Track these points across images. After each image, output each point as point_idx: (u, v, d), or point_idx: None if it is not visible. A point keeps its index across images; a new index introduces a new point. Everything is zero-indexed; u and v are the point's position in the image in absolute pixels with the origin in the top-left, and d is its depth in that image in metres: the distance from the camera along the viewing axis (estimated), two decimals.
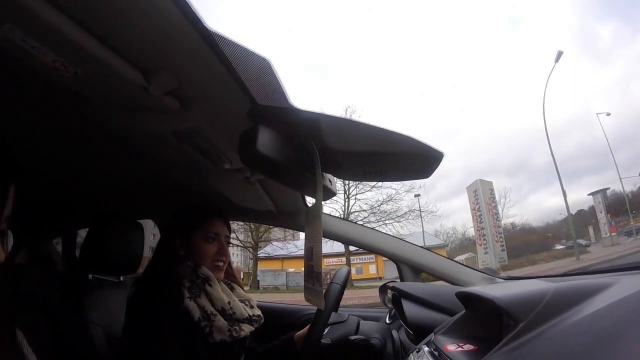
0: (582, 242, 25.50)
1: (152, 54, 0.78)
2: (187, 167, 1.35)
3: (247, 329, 1.35)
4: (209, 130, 1.07)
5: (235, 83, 0.83)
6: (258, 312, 1.42)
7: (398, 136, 0.87)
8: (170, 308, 1.23)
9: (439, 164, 0.95)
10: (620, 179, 24.88)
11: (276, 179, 1.15)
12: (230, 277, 1.48)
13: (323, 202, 1.00)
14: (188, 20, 0.66)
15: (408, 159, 0.95)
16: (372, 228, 2.39)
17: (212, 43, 0.72)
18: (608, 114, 25.86)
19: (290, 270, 24.26)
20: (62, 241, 2.56)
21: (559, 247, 26.75)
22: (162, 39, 0.72)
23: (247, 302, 1.43)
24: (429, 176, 1.02)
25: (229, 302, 1.32)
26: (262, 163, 0.89)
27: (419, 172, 1.02)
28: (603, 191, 24.13)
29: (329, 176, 1.11)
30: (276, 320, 1.52)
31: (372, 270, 26.45)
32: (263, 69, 0.80)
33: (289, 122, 0.89)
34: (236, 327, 1.31)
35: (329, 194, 1.14)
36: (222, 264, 1.40)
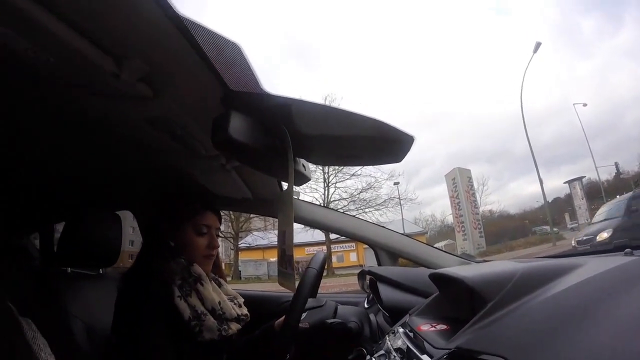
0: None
1: (121, 40, 0.77)
2: (163, 155, 1.35)
3: (234, 327, 1.35)
4: (183, 117, 1.07)
5: (207, 68, 0.83)
6: (245, 311, 1.43)
7: (369, 120, 0.88)
8: (159, 306, 1.22)
9: (409, 147, 0.96)
10: (596, 167, 25.40)
11: (250, 165, 1.16)
12: (217, 272, 1.49)
13: (301, 190, 1.01)
14: (157, 5, 0.66)
15: (379, 143, 0.96)
16: (350, 215, 2.40)
17: (182, 27, 0.71)
18: (584, 105, 26.36)
19: (271, 260, 23.82)
20: (40, 236, 2.52)
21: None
22: (131, 24, 0.72)
23: (235, 301, 1.43)
24: (401, 160, 1.03)
25: (219, 302, 1.32)
26: (235, 148, 0.90)
27: (390, 155, 1.03)
28: (579, 179, 24.65)
29: (303, 161, 1.11)
30: (256, 307, 1.51)
31: (352, 258, 26.67)
32: (234, 54, 0.80)
33: (260, 107, 0.90)
34: (225, 326, 1.31)
35: (303, 179, 1.15)
36: (212, 255, 1.41)
